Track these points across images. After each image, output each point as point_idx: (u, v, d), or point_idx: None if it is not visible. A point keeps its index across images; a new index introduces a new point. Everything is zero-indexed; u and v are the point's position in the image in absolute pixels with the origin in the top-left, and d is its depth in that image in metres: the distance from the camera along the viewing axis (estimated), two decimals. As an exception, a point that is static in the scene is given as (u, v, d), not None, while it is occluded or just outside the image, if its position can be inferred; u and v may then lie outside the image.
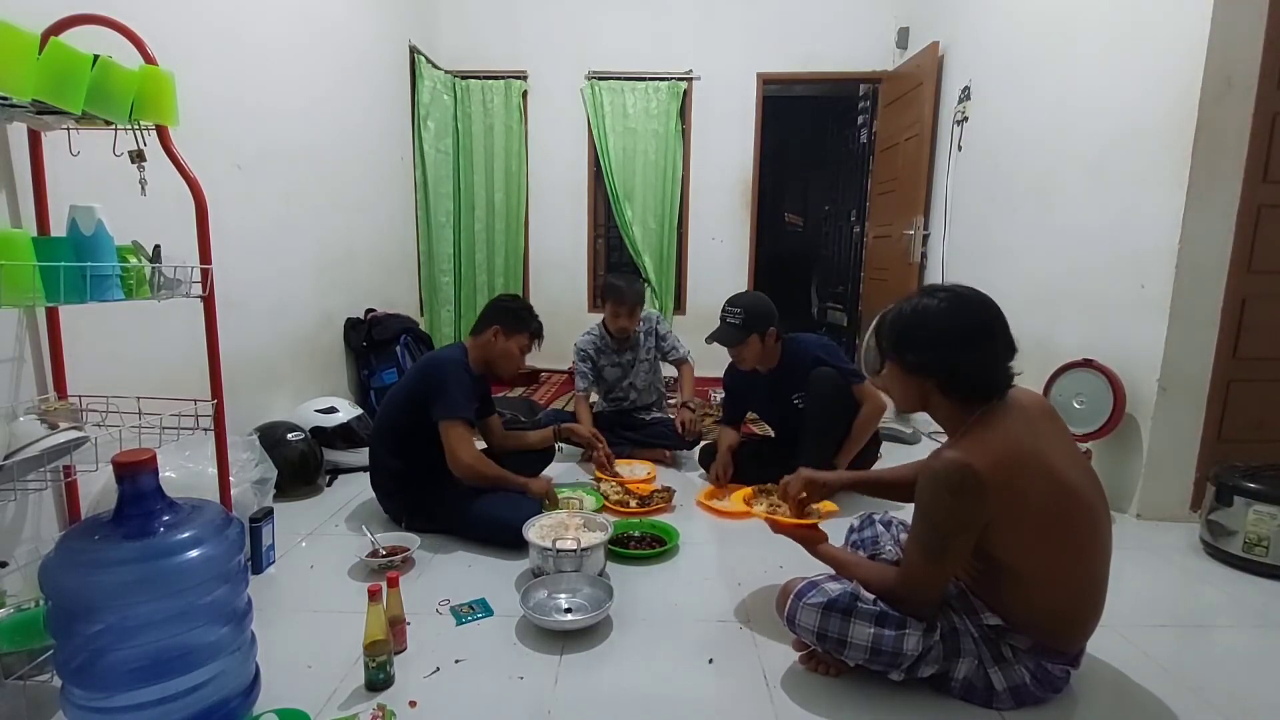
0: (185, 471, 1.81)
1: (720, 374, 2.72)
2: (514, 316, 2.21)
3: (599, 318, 3.05)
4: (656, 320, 3.04)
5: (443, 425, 2.02)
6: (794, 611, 1.33)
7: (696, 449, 2.90)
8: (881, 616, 1.25)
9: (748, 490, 1.94)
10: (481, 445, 2.48)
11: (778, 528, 1.56)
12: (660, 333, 3.04)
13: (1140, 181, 2.35)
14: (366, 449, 2.65)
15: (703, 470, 2.74)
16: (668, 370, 3.18)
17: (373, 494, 2.22)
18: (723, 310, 2.39)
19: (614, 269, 5.16)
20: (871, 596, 1.28)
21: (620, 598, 1.64)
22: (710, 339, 2.39)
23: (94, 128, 1.53)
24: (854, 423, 2.35)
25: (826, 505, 1.81)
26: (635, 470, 2.71)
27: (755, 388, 2.53)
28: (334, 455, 2.67)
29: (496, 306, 2.26)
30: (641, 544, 2.02)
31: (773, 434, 2.81)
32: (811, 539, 1.49)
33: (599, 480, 2.57)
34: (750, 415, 3.52)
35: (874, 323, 1.37)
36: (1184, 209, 2.16)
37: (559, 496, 2.19)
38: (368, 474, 2.26)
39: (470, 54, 4.71)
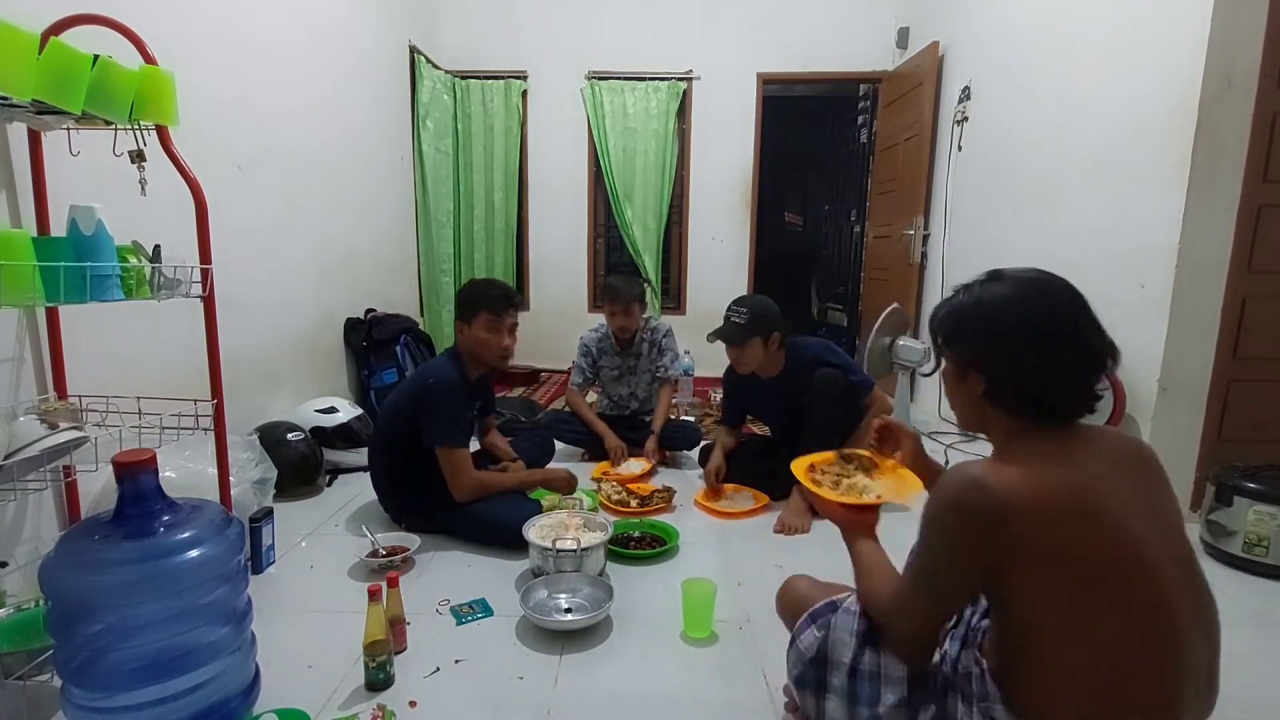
0: (185, 471, 1.81)
1: (721, 375, 2.71)
2: (464, 305, 2.11)
3: (599, 317, 3.05)
4: (664, 333, 2.99)
5: (439, 452, 2.01)
6: (802, 629, 1.12)
7: (696, 449, 2.90)
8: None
9: (810, 459, 1.36)
10: (474, 447, 2.49)
11: (820, 506, 1.22)
12: (662, 346, 2.98)
13: (1140, 181, 2.35)
14: (366, 449, 2.66)
15: (703, 470, 2.74)
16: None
17: (373, 494, 2.22)
18: (728, 309, 2.35)
19: (614, 269, 5.16)
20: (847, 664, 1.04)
21: (620, 598, 1.64)
22: (712, 336, 2.35)
23: (94, 128, 1.53)
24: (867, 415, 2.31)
25: (906, 480, 1.29)
26: (631, 466, 2.72)
27: (757, 393, 2.49)
28: (334, 455, 2.67)
29: (457, 304, 2.19)
30: (641, 544, 2.02)
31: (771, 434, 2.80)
32: (857, 524, 1.15)
33: (600, 480, 2.57)
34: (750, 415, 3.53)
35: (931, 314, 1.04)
36: (1184, 209, 2.16)
37: (557, 497, 2.19)
38: (368, 474, 2.27)
39: (470, 54, 4.71)
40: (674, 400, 3.36)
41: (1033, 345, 0.91)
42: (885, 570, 1.09)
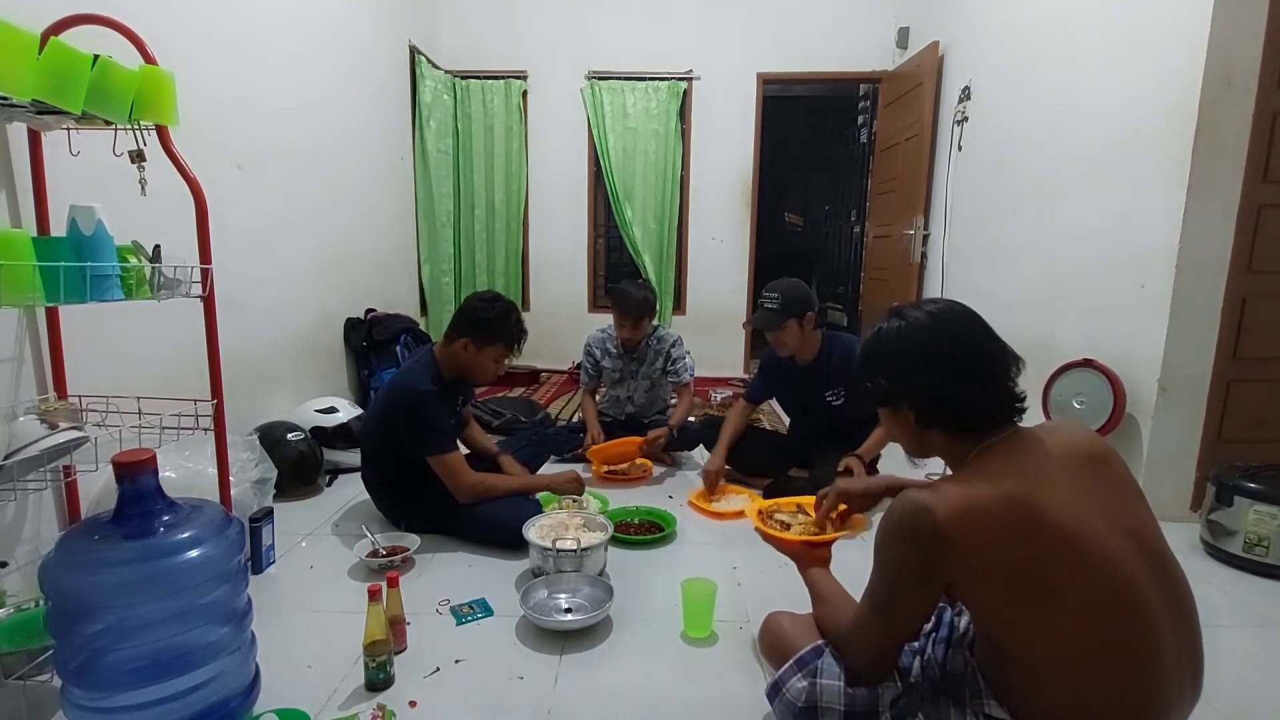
0: (185, 471, 1.81)
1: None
2: (484, 328, 2.02)
3: (599, 318, 3.05)
4: (673, 342, 2.97)
5: (432, 462, 1.98)
6: (787, 677, 1.11)
7: (696, 449, 2.90)
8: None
9: (762, 503, 1.56)
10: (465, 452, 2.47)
11: (775, 544, 1.37)
12: (673, 355, 2.97)
13: (1140, 182, 2.35)
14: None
15: (703, 470, 2.74)
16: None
17: (372, 494, 2.22)
18: (760, 296, 2.42)
19: (614, 269, 5.15)
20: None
21: (620, 597, 1.64)
22: (748, 324, 2.45)
23: (94, 128, 1.53)
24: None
25: (857, 520, 1.52)
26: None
27: (792, 375, 2.52)
28: (334, 455, 2.67)
29: (466, 316, 2.05)
30: (640, 530, 2.05)
31: (784, 431, 2.80)
32: (812, 557, 1.29)
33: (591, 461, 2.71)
34: (751, 415, 3.52)
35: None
36: (1184, 209, 2.16)
37: (557, 497, 2.19)
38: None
39: (470, 54, 4.71)
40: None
41: (937, 370, 0.98)
42: (842, 597, 1.18)
